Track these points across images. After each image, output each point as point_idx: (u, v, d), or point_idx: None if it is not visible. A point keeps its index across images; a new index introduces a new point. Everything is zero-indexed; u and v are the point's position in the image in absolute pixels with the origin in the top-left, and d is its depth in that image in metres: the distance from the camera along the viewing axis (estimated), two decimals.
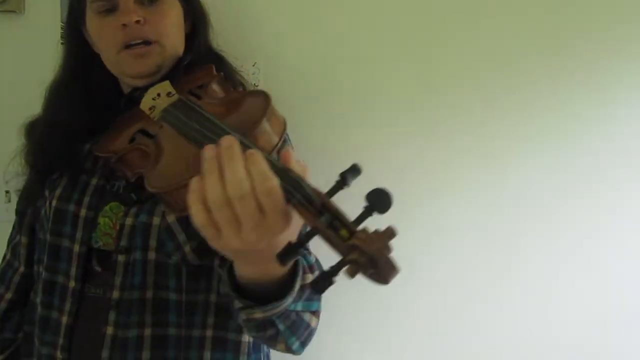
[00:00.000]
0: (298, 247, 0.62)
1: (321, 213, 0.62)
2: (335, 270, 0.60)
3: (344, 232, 0.61)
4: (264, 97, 0.82)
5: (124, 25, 0.99)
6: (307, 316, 0.88)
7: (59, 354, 0.99)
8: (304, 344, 0.89)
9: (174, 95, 0.94)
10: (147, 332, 0.97)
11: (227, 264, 0.79)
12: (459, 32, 1.30)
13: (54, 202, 1.03)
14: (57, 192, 1.04)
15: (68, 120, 1.06)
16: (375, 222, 0.61)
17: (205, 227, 0.64)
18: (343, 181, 0.63)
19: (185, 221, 0.95)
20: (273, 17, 1.32)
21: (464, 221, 1.30)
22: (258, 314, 0.78)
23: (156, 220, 0.97)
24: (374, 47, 1.31)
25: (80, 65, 1.09)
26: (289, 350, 0.87)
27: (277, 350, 0.88)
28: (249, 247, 0.65)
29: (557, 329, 1.32)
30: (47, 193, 1.06)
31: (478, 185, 1.30)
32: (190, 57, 1.08)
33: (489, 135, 1.30)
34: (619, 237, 1.30)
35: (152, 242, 0.97)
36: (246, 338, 1.03)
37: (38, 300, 1.05)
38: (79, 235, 1.01)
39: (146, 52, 1.01)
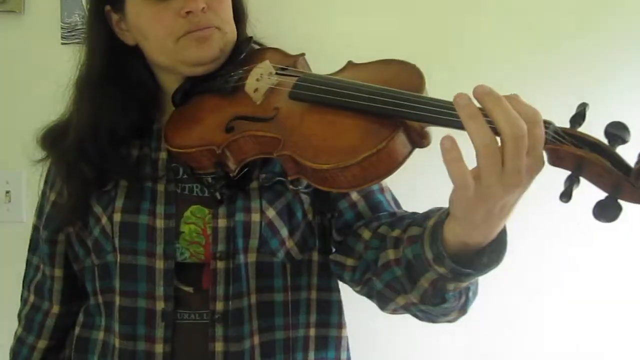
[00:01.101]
0: (576, 179, 0.61)
1: (579, 146, 0.61)
2: (618, 192, 0.60)
3: (605, 162, 0.60)
4: (413, 66, 0.80)
5: (188, 12, 0.90)
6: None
7: None
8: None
9: (274, 74, 0.89)
10: (256, 340, 0.90)
11: (429, 231, 0.74)
12: (457, 31, 1.31)
13: (116, 217, 0.91)
14: (118, 204, 0.92)
15: (114, 120, 0.94)
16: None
17: (469, 185, 0.61)
18: (582, 117, 0.63)
19: (286, 214, 0.91)
20: (275, 17, 1.31)
21: None
22: (465, 282, 0.73)
23: (255, 217, 0.89)
24: (378, 46, 1.30)
25: (112, 59, 0.97)
26: (455, 319, 0.83)
27: (439, 321, 0.84)
28: (505, 195, 0.61)
29: (553, 328, 1.32)
30: (99, 209, 0.93)
31: None
32: (250, 42, 1.01)
33: None
34: (619, 236, 1.30)
35: (254, 242, 0.89)
36: (345, 333, 0.99)
37: (101, 334, 0.94)
38: (159, 249, 0.90)
39: (209, 34, 0.92)
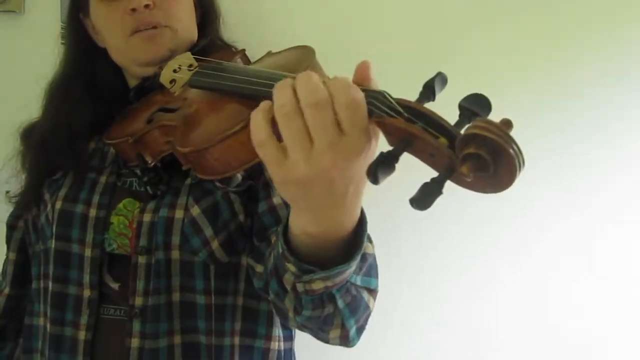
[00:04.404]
0: (392, 157, 0.52)
1: (413, 121, 0.53)
2: (446, 174, 0.50)
3: (442, 140, 0.51)
4: (307, 48, 0.76)
5: (133, 9, 0.94)
6: (365, 294, 0.76)
7: None
8: (360, 331, 0.77)
9: (195, 67, 0.87)
10: (177, 340, 0.89)
11: (283, 223, 0.68)
12: (460, 34, 1.30)
13: (58, 204, 0.94)
14: (62, 192, 0.96)
15: (71, 116, 0.99)
16: None
17: (266, 145, 0.55)
18: (430, 90, 0.54)
19: (212, 213, 0.89)
20: (275, 16, 1.31)
21: (465, 219, 1.30)
22: (318, 284, 0.66)
23: (179, 214, 0.89)
24: (377, 45, 1.30)
25: (84, 61, 1.04)
26: (344, 338, 0.76)
27: (330, 340, 0.77)
28: (318, 175, 0.54)
29: (556, 329, 1.32)
30: (47, 197, 0.98)
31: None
32: (204, 41, 1.02)
33: None
34: (620, 238, 1.30)
35: (175, 239, 0.88)
36: (275, 346, 0.96)
37: (41, 320, 0.96)
38: (89, 237, 0.92)
39: (156, 34, 0.95)
